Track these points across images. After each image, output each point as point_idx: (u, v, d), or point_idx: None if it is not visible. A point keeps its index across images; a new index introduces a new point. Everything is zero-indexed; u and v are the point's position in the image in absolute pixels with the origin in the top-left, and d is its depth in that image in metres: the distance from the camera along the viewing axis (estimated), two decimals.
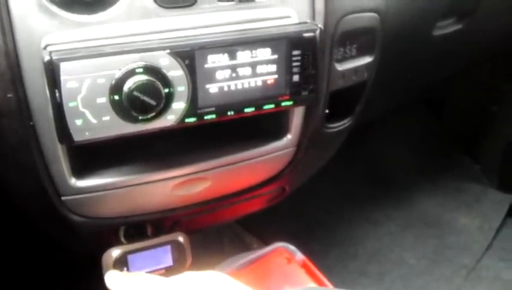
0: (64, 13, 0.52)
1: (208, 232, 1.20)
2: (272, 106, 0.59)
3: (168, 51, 0.52)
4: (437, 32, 0.96)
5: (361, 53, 0.74)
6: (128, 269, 0.67)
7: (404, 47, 0.89)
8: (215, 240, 1.25)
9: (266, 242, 1.01)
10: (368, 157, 1.67)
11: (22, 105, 0.53)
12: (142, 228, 0.71)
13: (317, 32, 0.58)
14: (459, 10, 1.00)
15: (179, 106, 0.54)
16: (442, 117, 1.77)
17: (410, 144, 1.73)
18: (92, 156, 0.61)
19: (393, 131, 1.72)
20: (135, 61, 0.51)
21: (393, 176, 1.64)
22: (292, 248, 0.97)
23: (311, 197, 1.45)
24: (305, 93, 0.60)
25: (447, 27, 0.99)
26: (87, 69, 0.50)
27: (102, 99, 0.51)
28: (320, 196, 1.52)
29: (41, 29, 0.52)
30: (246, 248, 1.22)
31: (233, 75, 0.56)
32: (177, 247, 0.70)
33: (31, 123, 0.55)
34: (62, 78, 0.49)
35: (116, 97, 0.51)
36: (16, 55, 0.52)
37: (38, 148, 0.56)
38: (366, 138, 1.64)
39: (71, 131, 0.51)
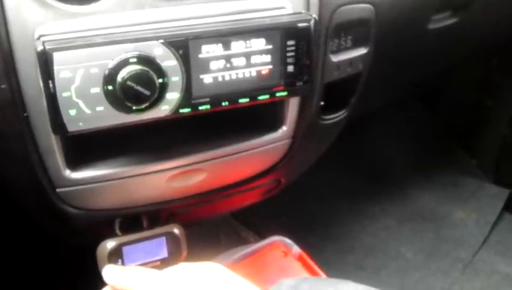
0: (58, 4, 0.52)
1: (204, 227, 1.20)
2: (267, 96, 0.59)
3: (162, 40, 0.52)
4: (432, 26, 0.96)
5: (356, 45, 0.74)
6: (123, 261, 0.67)
7: (400, 40, 0.89)
8: (212, 234, 1.25)
9: (263, 236, 1.01)
10: (364, 151, 1.67)
11: (16, 96, 0.53)
12: (138, 220, 0.71)
13: (312, 22, 0.58)
14: (455, 3, 1.00)
15: (173, 96, 0.54)
16: (438, 112, 1.77)
17: (406, 138, 1.73)
18: (87, 147, 0.61)
19: (389, 126, 1.72)
20: (129, 51, 0.51)
21: (389, 170, 1.64)
22: (289, 241, 0.97)
23: (308, 191, 1.45)
24: (299, 83, 0.60)
25: (442, 20, 0.99)
26: (80, 59, 0.50)
27: (96, 89, 0.51)
28: (317, 190, 1.52)
29: (34, 19, 0.52)
30: (243, 242, 1.22)
31: (228, 65, 0.56)
32: (172, 239, 0.70)
33: (25, 114, 0.54)
34: (55, 68, 0.49)
35: (110, 87, 0.51)
36: (9, 46, 0.52)
37: (33, 139, 0.56)
38: (362, 133, 1.64)
39: (65, 121, 0.51)
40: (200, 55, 0.54)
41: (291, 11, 0.61)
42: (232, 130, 0.68)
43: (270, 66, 0.58)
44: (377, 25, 0.75)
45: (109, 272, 0.62)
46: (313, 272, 0.91)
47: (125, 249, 0.67)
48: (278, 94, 0.60)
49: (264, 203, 0.91)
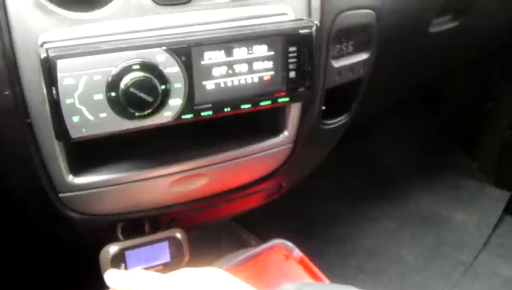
0: (61, 11, 0.53)
1: (205, 230, 1.20)
2: (269, 102, 0.59)
3: (165, 47, 0.52)
4: (433, 30, 0.97)
5: (357, 50, 0.74)
6: (125, 266, 0.67)
7: (401, 44, 0.89)
8: (213, 238, 1.25)
9: (264, 240, 1.01)
10: (365, 155, 1.68)
11: (19, 102, 0.54)
12: (140, 224, 0.71)
13: (313, 28, 0.58)
14: (455, 7, 1.00)
15: (175, 102, 0.54)
16: (438, 115, 1.77)
17: (407, 141, 1.73)
18: (90, 153, 0.61)
19: (390, 129, 1.72)
20: (131, 58, 0.51)
21: (390, 173, 1.64)
22: (290, 244, 0.97)
23: (309, 195, 1.45)
24: (301, 89, 0.60)
25: (443, 24, 0.99)
26: (83, 66, 0.50)
27: (99, 96, 0.51)
28: (318, 193, 1.52)
29: (38, 27, 0.52)
30: (244, 245, 1.22)
31: (230, 71, 0.56)
32: (174, 243, 0.70)
33: (28, 120, 0.55)
34: (59, 75, 0.50)
35: (113, 94, 0.51)
36: (13, 53, 0.52)
37: (36, 145, 0.57)
38: (363, 136, 1.64)
39: (68, 128, 0.51)
40: (203, 62, 0.54)
41: (293, 18, 0.61)
42: (234, 135, 0.69)
43: (272, 72, 0.58)
44: (378, 30, 0.75)
45: (111, 276, 0.63)
46: (314, 276, 0.92)
47: (127, 253, 0.67)
48: (279, 100, 0.60)
49: (265, 207, 0.92)
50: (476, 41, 1.19)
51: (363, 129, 1.59)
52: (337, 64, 0.71)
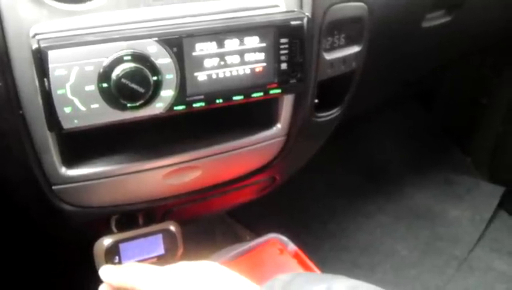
0: (53, 2, 0.53)
1: (200, 224, 1.21)
2: (261, 94, 0.60)
3: (156, 38, 0.52)
4: (426, 24, 0.97)
5: (349, 42, 0.74)
6: (119, 258, 0.67)
7: (393, 38, 0.90)
8: (208, 232, 1.25)
9: (259, 234, 1.01)
10: (360, 150, 1.68)
11: (11, 94, 0.54)
12: (134, 217, 0.71)
13: (305, 20, 0.59)
14: (448, 2, 1.00)
15: (167, 93, 0.54)
16: (433, 110, 1.78)
17: (401, 137, 1.74)
18: (83, 145, 0.61)
19: (385, 124, 1.73)
20: (123, 49, 0.51)
21: (385, 168, 1.65)
22: (284, 239, 0.97)
23: (304, 190, 1.46)
24: (293, 81, 0.61)
25: (436, 19, 0.99)
26: (75, 57, 0.50)
27: (91, 87, 0.51)
28: (313, 188, 1.52)
29: (29, 18, 0.52)
30: (239, 240, 1.22)
31: (222, 63, 0.56)
32: (168, 236, 0.70)
33: (21, 112, 0.55)
34: (50, 66, 0.50)
35: (105, 85, 0.51)
36: (5, 44, 0.52)
37: (28, 137, 0.57)
38: (358, 132, 1.64)
39: (60, 119, 0.51)
40: (194, 53, 0.55)
41: (285, 9, 0.62)
42: (227, 127, 0.69)
43: (264, 64, 0.58)
44: (370, 23, 0.75)
45: (105, 271, 0.63)
46: (309, 270, 0.92)
47: (122, 246, 0.67)
48: (271, 92, 0.60)
49: (259, 201, 0.92)
50: (468, 36, 1.19)
51: (358, 125, 1.60)
52: (329, 56, 0.71)
